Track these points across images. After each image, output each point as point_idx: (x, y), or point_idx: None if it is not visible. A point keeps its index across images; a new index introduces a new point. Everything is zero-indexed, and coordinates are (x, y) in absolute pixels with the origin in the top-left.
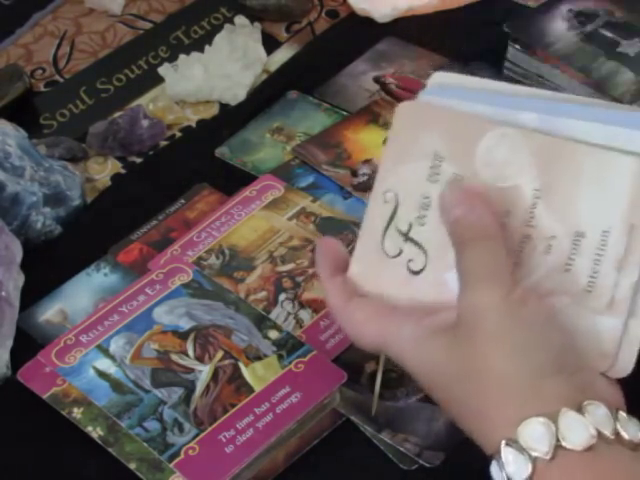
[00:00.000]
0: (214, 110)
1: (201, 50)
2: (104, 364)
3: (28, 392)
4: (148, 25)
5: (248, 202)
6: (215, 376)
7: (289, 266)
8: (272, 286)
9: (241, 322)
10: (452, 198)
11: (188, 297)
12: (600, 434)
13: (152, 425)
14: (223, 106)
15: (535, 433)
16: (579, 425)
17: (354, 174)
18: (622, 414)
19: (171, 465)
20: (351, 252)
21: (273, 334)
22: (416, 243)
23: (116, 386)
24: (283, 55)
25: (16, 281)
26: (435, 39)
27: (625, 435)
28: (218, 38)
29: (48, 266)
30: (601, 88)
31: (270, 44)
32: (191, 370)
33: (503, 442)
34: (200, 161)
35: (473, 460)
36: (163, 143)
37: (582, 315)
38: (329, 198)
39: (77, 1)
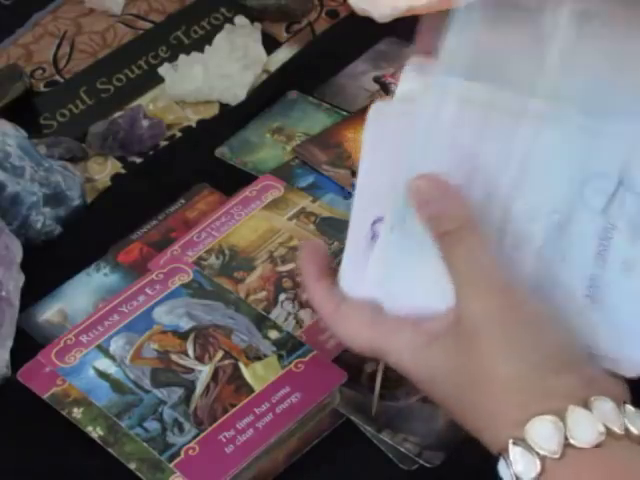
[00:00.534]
0: (214, 110)
1: (201, 50)
2: (104, 364)
3: (28, 392)
4: (148, 25)
5: (248, 202)
6: (215, 376)
7: (289, 266)
8: (272, 286)
9: (241, 322)
10: (426, 191)
11: (188, 297)
12: (609, 430)
13: (152, 425)
14: (223, 106)
15: (543, 431)
16: (587, 422)
17: (354, 174)
18: (630, 408)
19: (171, 465)
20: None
21: (273, 334)
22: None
23: (116, 386)
24: (283, 55)
25: (16, 281)
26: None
27: (634, 430)
28: (218, 38)
29: (48, 266)
30: None
31: (270, 44)
32: (191, 370)
33: (511, 441)
34: (200, 161)
35: (473, 460)
36: (163, 143)
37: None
38: (329, 198)
39: (77, 1)
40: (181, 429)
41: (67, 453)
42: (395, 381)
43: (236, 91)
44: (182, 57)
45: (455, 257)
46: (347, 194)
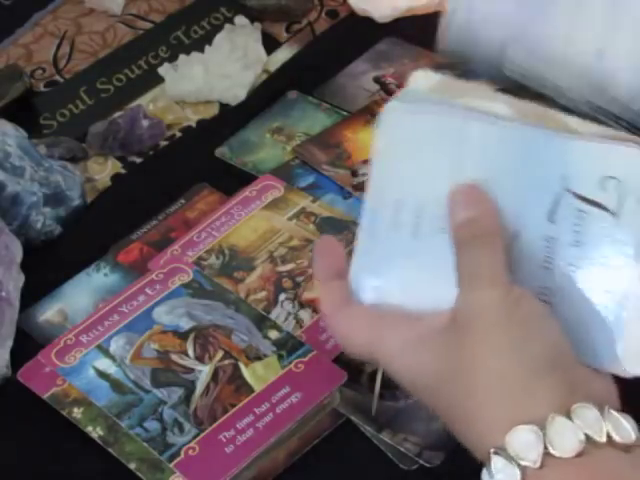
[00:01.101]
0: (214, 110)
1: (201, 50)
2: (104, 364)
3: (28, 392)
4: (148, 25)
5: (248, 202)
6: (215, 376)
7: (289, 266)
8: (272, 286)
9: (241, 322)
10: (464, 198)
11: (188, 297)
12: (590, 439)
13: (152, 425)
14: (223, 106)
15: (523, 441)
16: (568, 431)
17: (354, 174)
18: (613, 413)
19: (171, 465)
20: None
21: (273, 334)
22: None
23: (116, 386)
24: (283, 55)
25: (16, 281)
26: (435, 39)
27: (617, 438)
28: (218, 38)
29: (48, 266)
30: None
31: (270, 44)
32: (191, 370)
33: (492, 450)
34: (200, 161)
35: (473, 460)
36: (163, 143)
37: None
38: (329, 198)
39: (77, 1)
40: (181, 429)
41: (67, 453)
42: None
43: (236, 91)
44: (182, 57)
45: (464, 259)
46: (347, 194)
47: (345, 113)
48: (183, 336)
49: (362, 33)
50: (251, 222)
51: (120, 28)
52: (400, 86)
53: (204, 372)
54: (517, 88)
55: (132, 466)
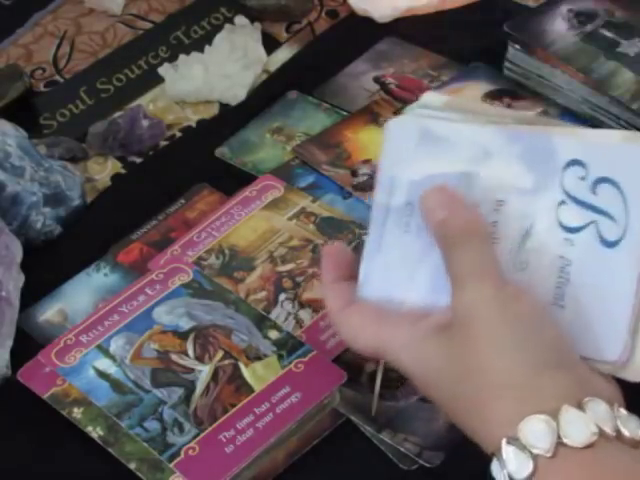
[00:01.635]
0: (214, 110)
1: (201, 50)
2: (104, 364)
3: (28, 392)
4: (148, 25)
5: (248, 202)
6: (215, 376)
7: (289, 266)
8: (272, 286)
9: (241, 322)
10: (434, 200)
11: (188, 297)
12: (601, 431)
13: (152, 425)
14: (223, 106)
15: (536, 430)
16: (580, 422)
17: (354, 174)
18: (622, 411)
19: (171, 465)
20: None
21: (273, 334)
22: None
23: (116, 386)
24: (283, 55)
25: (16, 281)
26: (435, 39)
27: (626, 432)
28: (218, 38)
29: (48, 266)
30: (601, 88)
31: (270, 44)
32: (191, 370)
33: (504, 440)
34: (200, 161)
35: (473, 460)
36: (163, 143)
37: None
38: (329, 198)
39: (77, 1)
40: (181, 429)
41: (67, 453)
42: (395, 381)
43: (236, 91)
44: (182, 57)
45: (454, 259)
46: (347, 194)
47: (345, 113)
48: (183, 336)
49: (362, 33)
50: (251, 222)
51: (120, 28)
52: (400, 86)
53: (204, 372)
54: (517, 88)
55: (132, 466)
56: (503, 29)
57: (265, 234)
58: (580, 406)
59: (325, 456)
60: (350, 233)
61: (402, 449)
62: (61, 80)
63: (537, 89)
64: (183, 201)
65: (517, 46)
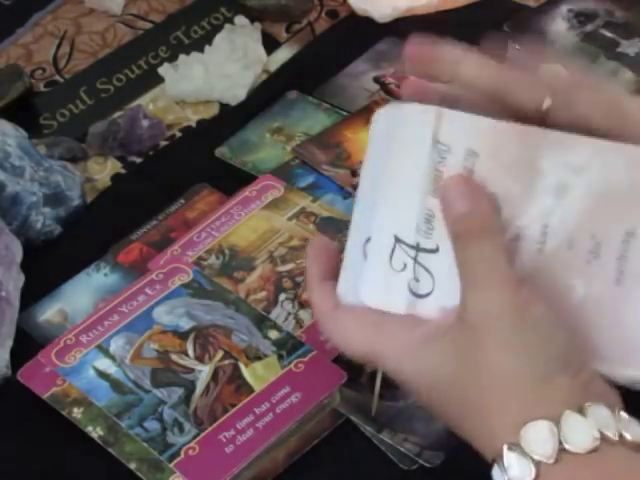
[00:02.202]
0: (214, 110)
1: (201, 50)
2: (104, 364)
3: (28, 392)
4: (148, 25)
5: (248, 202)
6: (215, 376)
7: (289, 266)
8: (272, 286)
9: (241, 322)
10: (455, 192)
11: (188, 297)
12: (603, 436)
13: (152, 425)
14: (223, 106)
15: (538, 436)
16: (582, 427)
17: (354, 174)
18: (624, 414)
19: (171, 465)
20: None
21: (273, 334)
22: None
23: (116, 386)
24: (283, 55)
25: (16, 281)
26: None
27: (628, 436)
28: (218, 38)
29: (48, 266)
30: None
31: (270, 44)
32: (191, 370)
33: (505, 446)
34: (200, 161)
35: (473, 460)
36: (163, 143)
37: None
38: (329, 198)
39: (77, 1)
40: (181, 429)
41: (67, 453)
42: (395, 381)
43: (236, 91)
44: (182, 57)
45: (468, 255)
46: (347, 194)
47: (345, 113)
48: (183, 336)
49: (362, 33)
50: (251, 222)
51: (120, 28)
52: (400, 86)
53: (204, 372)
54: None
55: (132, 466)
56: (503, 29)
57: (265, 234)
58: (582, 411)
59: (325, 456)
60: None
61: (402, 449)
62: (61, 80)
63: None
64: (183, 201)
65: (517, 46)
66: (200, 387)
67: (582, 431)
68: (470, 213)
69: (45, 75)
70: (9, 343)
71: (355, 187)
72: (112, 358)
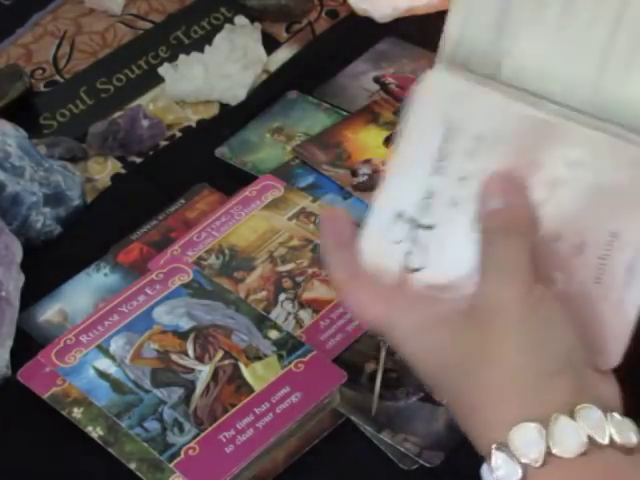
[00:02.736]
0: (214, 110)
1: (201, 50)
2: (104, 364)
3: (28, 392)
4: (148, 25)
5: (248, 202)
6: (215, 376)
7: (289, 266)
8: (272, 286)
9: (241, 322)
10: (496, 188)
11: (188, 297)
12: (592, 440)
13: (152, 425)
14: (223, 106)
15: (526, 439)
16: (571, 431)
17: (354, 174)
18: (616, 416)
19: (171, 465)
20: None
21: (273, 334)
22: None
23: (116, 386)
24: (283, 55)
25: (16, 281)
26: (435, 39)
27: (618, 440)
28: (218, 38)
29: (48, 266)
30: None
31: (270, 44)
32: (191, 370)
33: (494, 446)
34: (200, 161)
35: (473, 460)
36: (163, 143)
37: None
38: (329, 198)
39: (77, 1)
40: (181, 429)
41: (67, 453)
42: (395, 381)
43: (236, 91)
44: (182, 57)
45: (492, 250)
46: (347, 194)
47: (345, 113)
48: (183, 336)
49: (362, 33)
50: (251, 222)
51: (120, 28)
52: (400, 86)
53: (204, 372)
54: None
55: (132, 466)
56: None
57: (265, 234)
58: (572, 414)
59: (325, 456)
60: None
61: (402, 449)
62: (61, 80)
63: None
64: (183, 201)
65: None
66: (200, 387)
67: (571, 435)
68: (503, 210)
69: (45, 75)
70: (9, 343)
71: (355, 187)
72: (112, 358)
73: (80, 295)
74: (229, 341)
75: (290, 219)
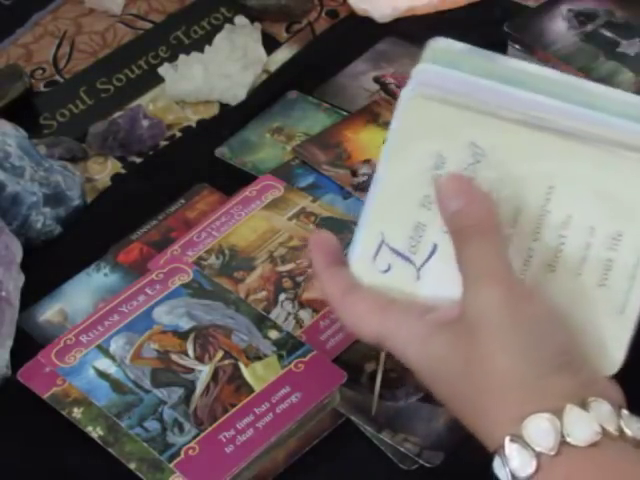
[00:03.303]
0: (214, 110)
1: (201, 50)
2: (104, 364)
3: (28, 392)
4: (148, 25)
5: (248, 202)
6: (215, 376)
7: (289, 266)
8: (272, 286)
9: (241, 322)
10: (451, 189)
11: (188, 297)
12: (604, 431)
13: (152, 425)
14: (223, 106)
15: (540, 429)
16: (584, 421)
17: (354, 174)
18: (625, 412)
19: (171, 465)
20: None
21: (273, 334)
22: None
23: (116, 386)
24: (283, 55)
25: (16, 281)
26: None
27: (629, 432)
28: (218, 38)
29: (48, 266)
30: None
31: (270, 44)
32: (191, 370)
33: (507, 438)
34: (200, 161)
35: (473, 460)
36: (163, 143)
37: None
38: (329, 198)
39: (77, 1)
40: (181, 429)
41: (67, 453)
42: (395, 381)
43: (236, 91)
44: (182, 57)
45: (466, 253)
46: (347, 194)
47: (345, 113)
48: (183, 336)
49: (362, 33)
50: (251, 222)
51: (120, 28)
52: (400, 86)
53: (204, 372)
54: None
55: (132, 466)
56: (503, 29)
57: (265, 234)
58: (584, 406)
59: (325, 456)
60: (350, 233)
61: (402, 449)
62: (61, 80)
63: None
64: (183, 201)
65: (517, 46)
66: (200, 387)
67: (584, 425)
68: (465, 211)
69: (45, 75)
70: (9, 343)
71: (355, 187)
72: (112, 358)
73: (80, 295)
74: (229, 341)
75: (290, 219)
